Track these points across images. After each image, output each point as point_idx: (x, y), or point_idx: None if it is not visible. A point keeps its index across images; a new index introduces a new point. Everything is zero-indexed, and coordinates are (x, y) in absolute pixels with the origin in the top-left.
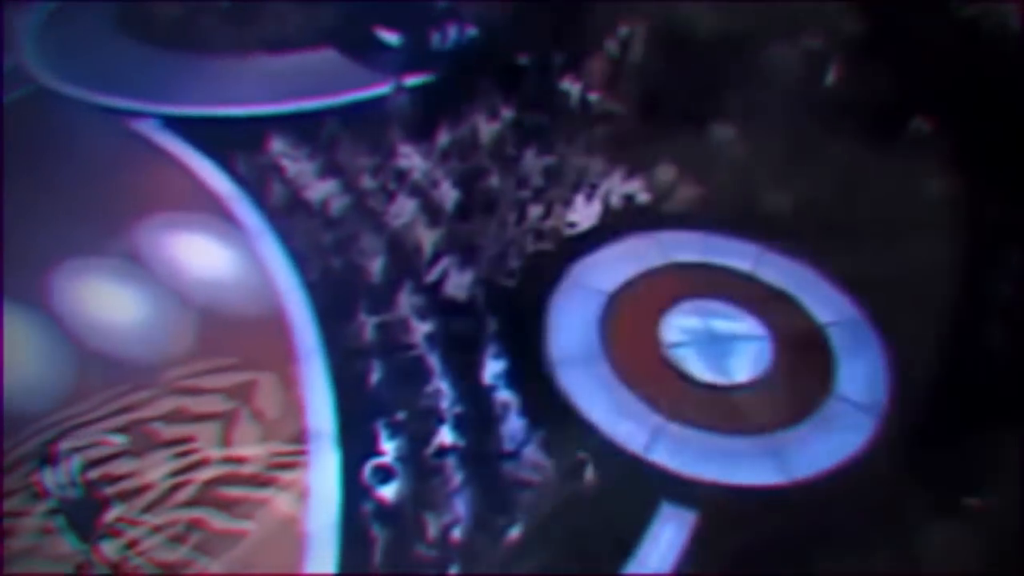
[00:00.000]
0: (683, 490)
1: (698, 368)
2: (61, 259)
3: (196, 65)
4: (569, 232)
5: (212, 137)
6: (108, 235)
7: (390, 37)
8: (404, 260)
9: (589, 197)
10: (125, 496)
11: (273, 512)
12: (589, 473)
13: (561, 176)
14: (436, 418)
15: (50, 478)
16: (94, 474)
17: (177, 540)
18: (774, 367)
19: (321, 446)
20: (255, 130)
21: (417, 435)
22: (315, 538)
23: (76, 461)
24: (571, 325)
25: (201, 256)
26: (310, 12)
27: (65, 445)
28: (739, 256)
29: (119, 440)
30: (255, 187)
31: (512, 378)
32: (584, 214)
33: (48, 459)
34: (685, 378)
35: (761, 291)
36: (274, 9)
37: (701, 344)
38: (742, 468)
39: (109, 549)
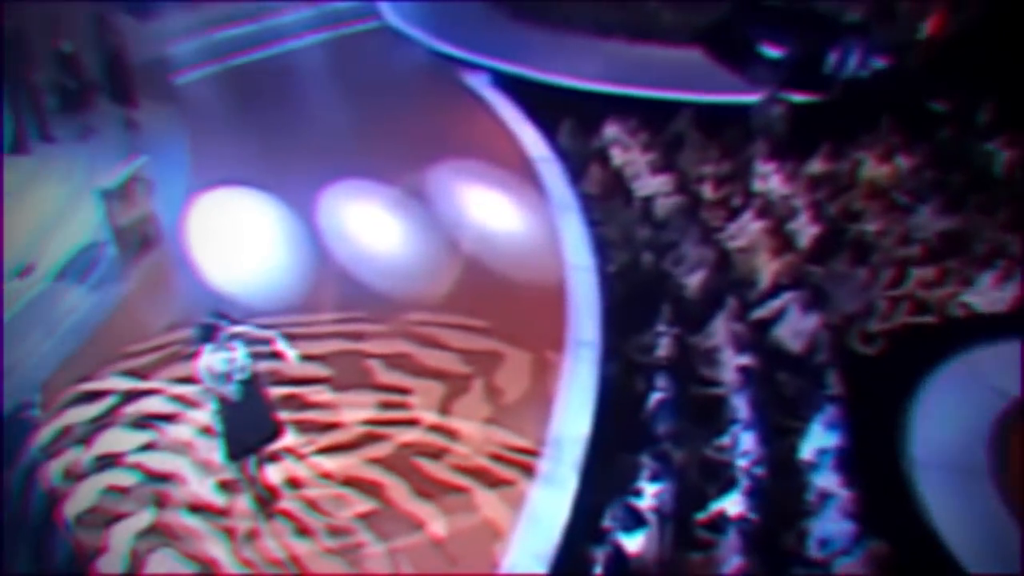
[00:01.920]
0: None
1: None
2: (352, 177)
3: (548, 35)
4: (961, 312)
5: (542, 103)
6: (407, 167)
7: (772, 50)
8: (731, 283)
9: (1002, 279)
10: (307, 427)
11: (473, 511)
12: None
13: (965, 246)
14: (724, 477)
15: (206, 360)
16: (280, 392)
17: (345, 499)
18: None
19: (561, 456)
20: (591, 108)
21: (692, 489)
22: (515, 561)
23: (242, 357)
24: (949, 421)
25: (491, 210)
26: (685, 9)
27: (236, 331)
28: None
29: (292, 352)
30: (575, 161)
31: (845, 462)
32: (990, 297)
33: (210, 337)
34: None
35: None
36: None
37: None
38: None
39: (269, 475)
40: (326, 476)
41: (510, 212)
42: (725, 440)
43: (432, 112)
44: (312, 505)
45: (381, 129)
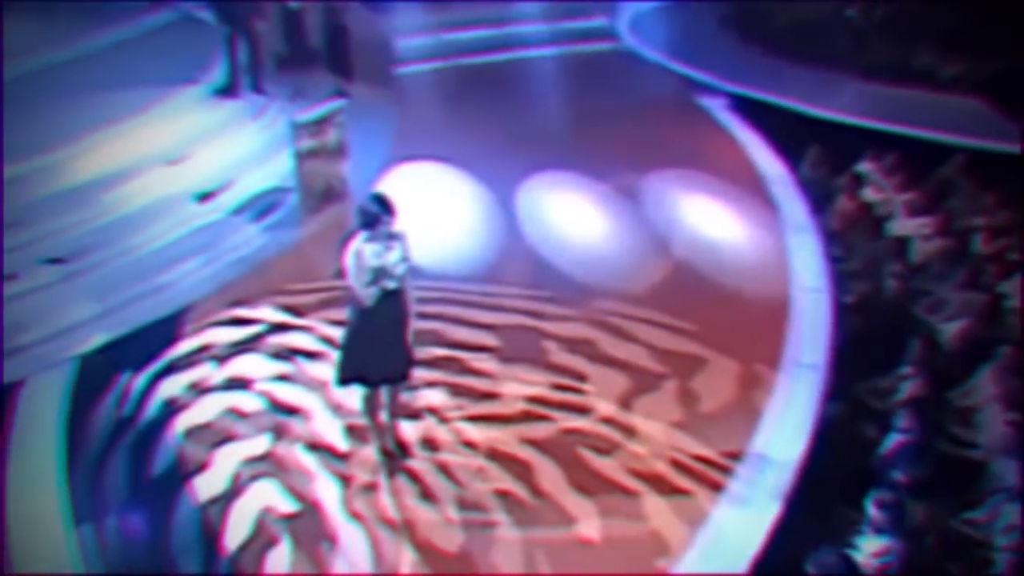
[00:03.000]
0: None
1: None
2: (562, 170)
3: (799, 68)
4: None
5: (784, 130)
6: (622, 168)
7: None
8: (1001, 339)
9: None
10: (460, 391)
11: (638, 517)
12: None
13: None
14: (976, 557)
15: (356, 245)
16: (438, 352)
17: (485, 473)
18: None
19: (759, 480)
20: (840, 140)
21: (929, 558)
22: None
23: (396, 257)
24: None
25: (711, 219)
26: (967, 61)
27: (396, 231)
28: None
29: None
30: (817, 191)
31: None
32: None
33: (370, 224)
34: None
35: None
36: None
37: None
38: None
39: (403, 430)
40: (469, 445)
41: (733, 224)
42: (979, 515)
43: (659, 123)
44: (445, 470)
45: (601, 132)
